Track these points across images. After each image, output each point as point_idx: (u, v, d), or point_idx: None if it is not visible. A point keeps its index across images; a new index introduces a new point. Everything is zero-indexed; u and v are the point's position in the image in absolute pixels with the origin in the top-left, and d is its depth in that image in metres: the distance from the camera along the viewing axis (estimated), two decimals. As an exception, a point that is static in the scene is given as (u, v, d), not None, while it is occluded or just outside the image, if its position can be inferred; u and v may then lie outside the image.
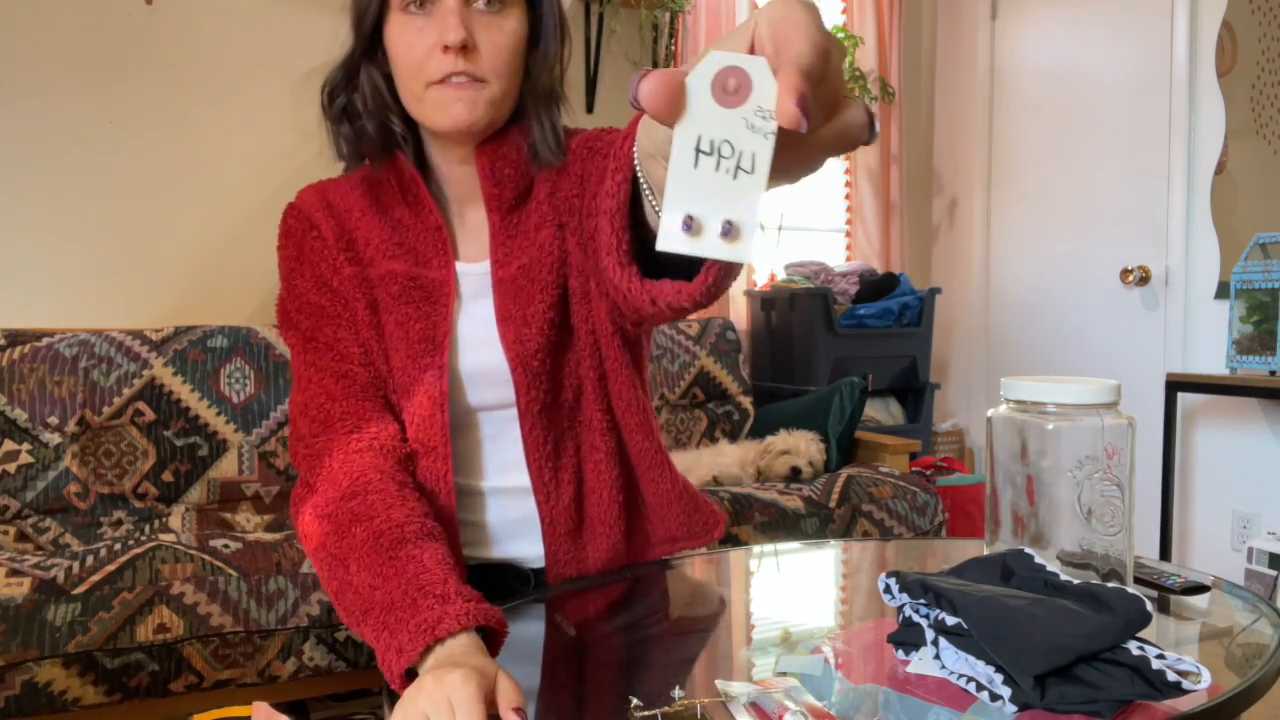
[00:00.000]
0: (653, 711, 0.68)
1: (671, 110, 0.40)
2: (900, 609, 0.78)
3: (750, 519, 2.12)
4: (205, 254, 2.54)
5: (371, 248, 0.98)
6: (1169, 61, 2.88)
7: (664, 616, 0.96)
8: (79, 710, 1.58)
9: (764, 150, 0.40)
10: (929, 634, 0.75)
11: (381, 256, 0.97)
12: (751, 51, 0.42)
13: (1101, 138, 3.12)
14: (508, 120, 0.95)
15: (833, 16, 3.50)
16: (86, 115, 2.40)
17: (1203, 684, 0.66)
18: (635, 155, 0.54)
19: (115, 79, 2.42)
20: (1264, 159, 2.69)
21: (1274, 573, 2.33)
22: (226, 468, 2.19)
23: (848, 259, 3.59)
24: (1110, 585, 0.72)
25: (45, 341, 2.10)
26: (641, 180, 0.52)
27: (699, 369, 2.76)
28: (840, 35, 3.31)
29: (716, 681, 0.73)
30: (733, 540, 2.07)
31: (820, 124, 0.42)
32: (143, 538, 1.78)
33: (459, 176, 0.98)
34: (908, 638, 0.78)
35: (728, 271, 0.58)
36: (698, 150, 0.40)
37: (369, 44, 0.93)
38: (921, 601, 0.75)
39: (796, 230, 3.47)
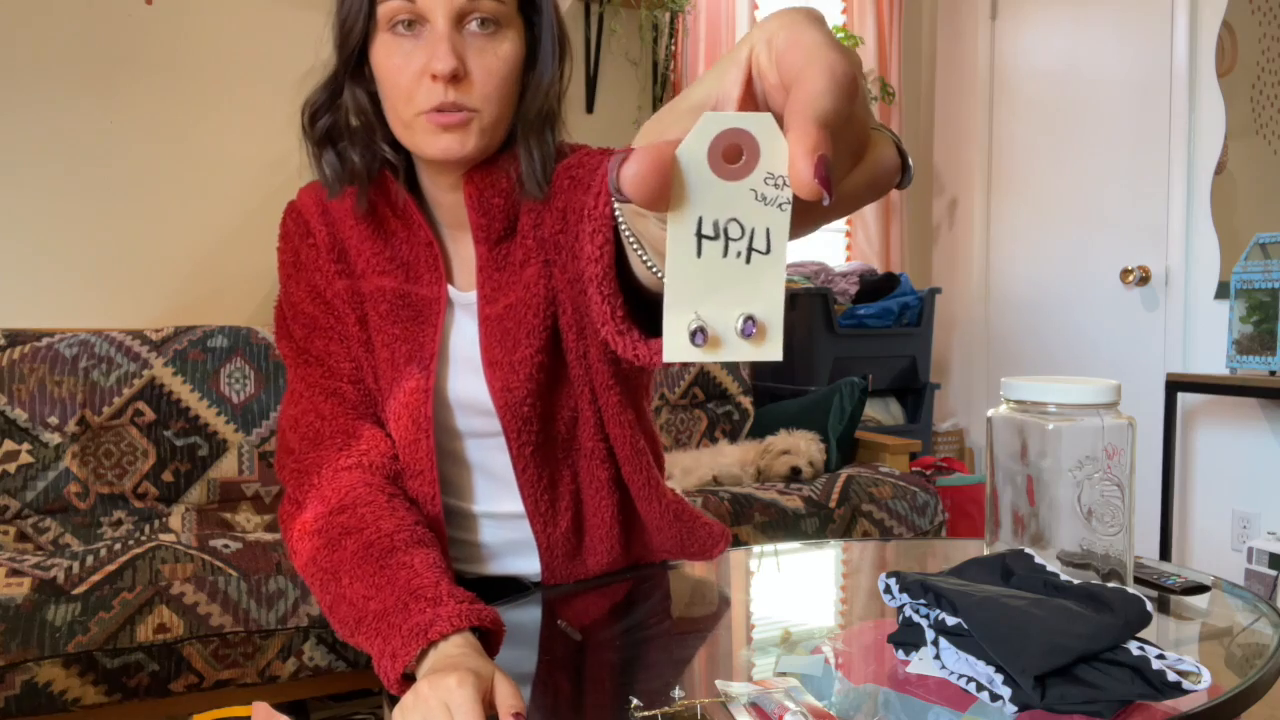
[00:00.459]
0: (653, 712, 0.68)
1: (663, 196, 0.33)
2: (900, 609, 0.78)
3: (750, 519, 2.12)
4: (205, 254, 2.54)
5: (363, 260, 0.94)
6: (1169, 61, 2.88)
7: (664, 616, 0.96)
8: (79, 710, 1.58)
9: (779, 225, 0.33)
10: (929, 634, 0.75)
11: (372, 270, 0.94)
12: (749, 82, 0.35)
13: (1101, 137, 3.12)
14: (501, 146, 0.90)
15: (833, 16, 3.50)
16: (86, 115, 2.40)
17: (1203, 684, 0.66)
18: (616, 209, 0.46)
19: (115, 79, 2.42)
20: (1264, 159, 2.69)
21: (1274, 573, 2.33)
22: (226, 468, 2.19)
23: (848, 259, 3.59)
24: (1110, 585, 0.72)
25: (45, 341, 2.10)
26: (626, 233, 0.45)
27: (699, 369, 2.76)
28: (840, 35, 3.31)
29: (716, 681, 0.73)
30: (733, 540, 2.07)
31: (844, 177, 0.35)
32: (143, 538, 1.78)
33: (449, 203, 0.93)
34: (908, 638, 0.77)
35: None
36: (699, 236, 0.34)
37: (353, 63, 0.88)
38: (921, 602, 0.75)
39: (796, 230, 3.47)
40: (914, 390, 3.20)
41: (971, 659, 0.71)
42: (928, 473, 2.94)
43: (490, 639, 0.77)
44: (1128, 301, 3.05)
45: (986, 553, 0.88)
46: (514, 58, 0.86)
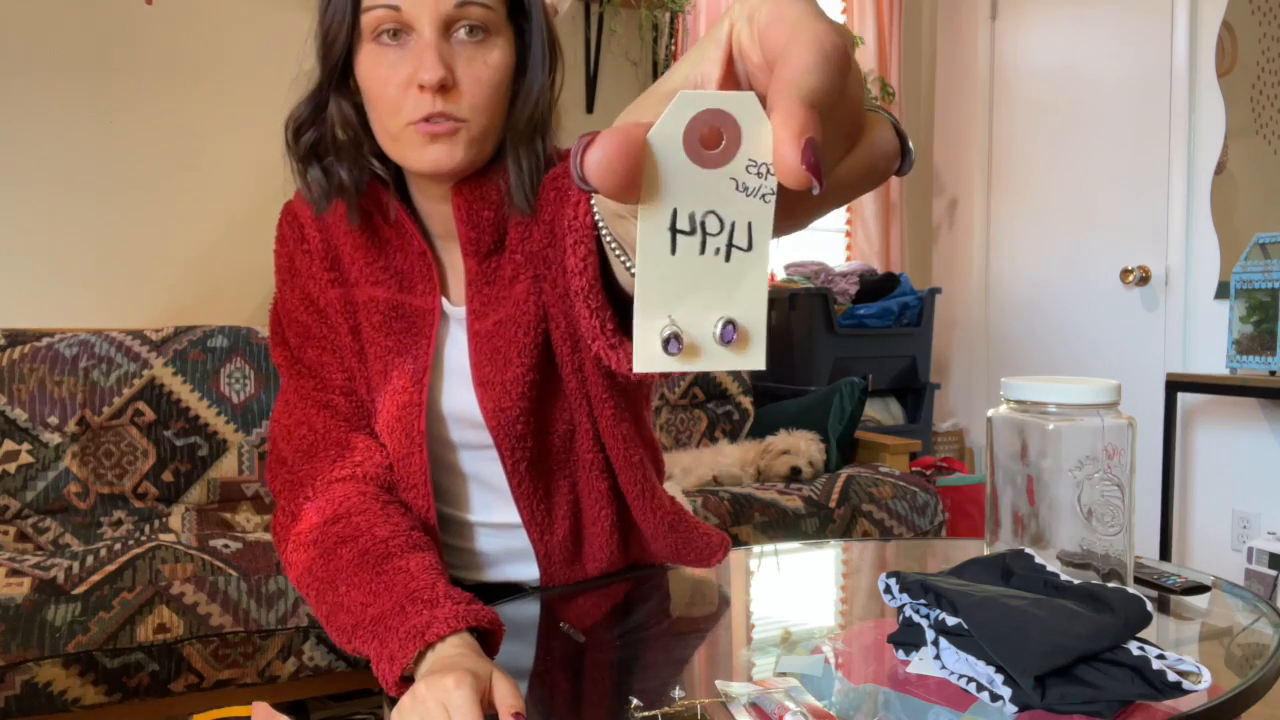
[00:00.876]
0: (653, 712, 0.68)
1: (632, 185, 0.29)
2: (900, 609, 0.78)
3: (750, 519, 2.11)
4: (205, 254, 2.54)
5: (357, 268, 0.92)
6: (1169, 61, 2.88)
7: (664, 616, 0.96)
8: (79, 710, 1.58)
9: (762, 218, 0.30)
10: (929, 634, 0.75)
11: (366, 280, 0.92)
12: (729, 62, 0.31)
13: (1101, 138, 3.12)
14: (492, 156, 0.87)
15: (833, 16, 3.49)
16: (86, 115, 2.40)
17: (1203, 684, 0.66)
18: (597, 215, 0.43)
19: (115, 79, 2.42)
20: (1264, 159, 2.69)
21: (1274, 573, 2.33)
22: (226, 468, 2.19)
23: (848, 259, 3.59)
24: (1110, 585, 0.72)
25: (45, 341, 2.10)
26: (607, 238, 0.42)
27: (699, 369, 2.76)
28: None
29: (716, 682, 0.73)
30: (733, 540, 2.07)
31: (837, 163, 0.31)
32: (143, 538, 1.78)
33: (439, 214, 0.90)
34: (908, 638, 0.77)
35: None
36: (673, 230, 0.30)
37: (338, 75, 0.85)
38: (922, 602, 0.75)
39: (796, 230, 3.47)
40: (914, 390, 3.20)
41: (972, 659, 0.71)
42: (928, 473, 2.94)
43: (489, 639, 0.77)
44: (1128, 301, 3.05)
45: (986, 553, 0.88)
46: (504, 66, 0.84)
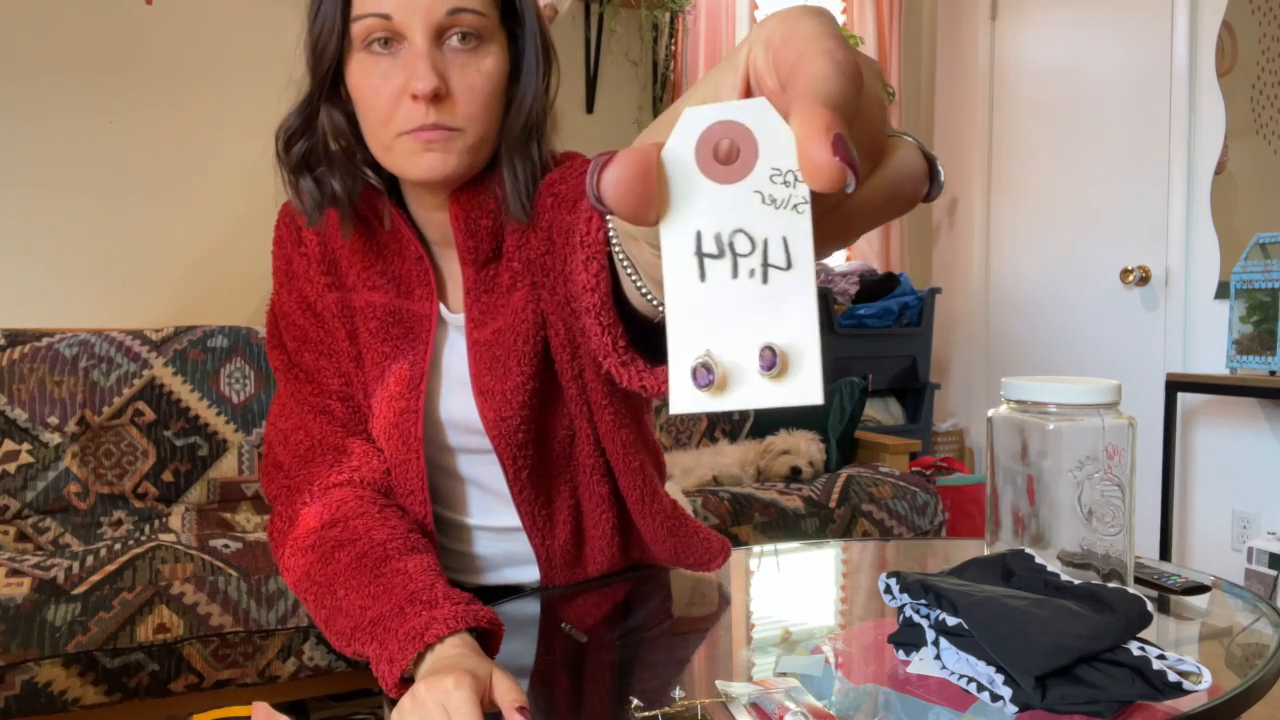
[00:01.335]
0: (653, 712, 0.68)
1: (649, 205, 0.28)
2: (900, 609, 0.78)
3: (750, 519, 2.12)
4: (205, 254, 2.54)
5: (354, 273, 0.92)
6: (1169, 61, 2.88)
7: (664, 616, 0.96)
8: (79, 710, 1.58)
9: (797, 231, 0.27)
10: (929, 634, 0.75)
11: (363, 285, 0.91)
12: (747, 89, 0.30)
13: (1101, 138, 3.12)
14: (488, 163, 0.86)
15: (832, 17, 3.49)
16: (86, 115, 2.40)
17: (1203, 684, 0.66)
18: (611, 232, 0.43)
19: (115, 79, 2.42)
20: (1264, 159, 2.69)
21: (1274, 573, 2.33)
22: (226, 468, 2.19)
23: (848, 259, 3.59)
24: (1111, 585, 0.72)
25: (45, 341, 2.10)
26: (620, 256, 0.41)
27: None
28: (840, 35, 3.31)
29: (716, 682, 0.73)
30: (733, 540, 2.07)
31: (867, 175, 0.29)
32: (143, 538, 1.78)
33: (435, 222, 0.89)
34: (908, 638, 0.77)
35: None
36: (700, 255, 0.28)
37: (328, 84, 0.84)
38: (922, 602, 0.75)
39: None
40: (914, 390, 3.20)
41: (972, 659, 0.71)
42: (928, 473, 2.94)
43: (489, 639, 0.77)
44: (1128, 301, 3.05)
45: (986, 553, 0.88)
46: (498, 73, 0.82)
